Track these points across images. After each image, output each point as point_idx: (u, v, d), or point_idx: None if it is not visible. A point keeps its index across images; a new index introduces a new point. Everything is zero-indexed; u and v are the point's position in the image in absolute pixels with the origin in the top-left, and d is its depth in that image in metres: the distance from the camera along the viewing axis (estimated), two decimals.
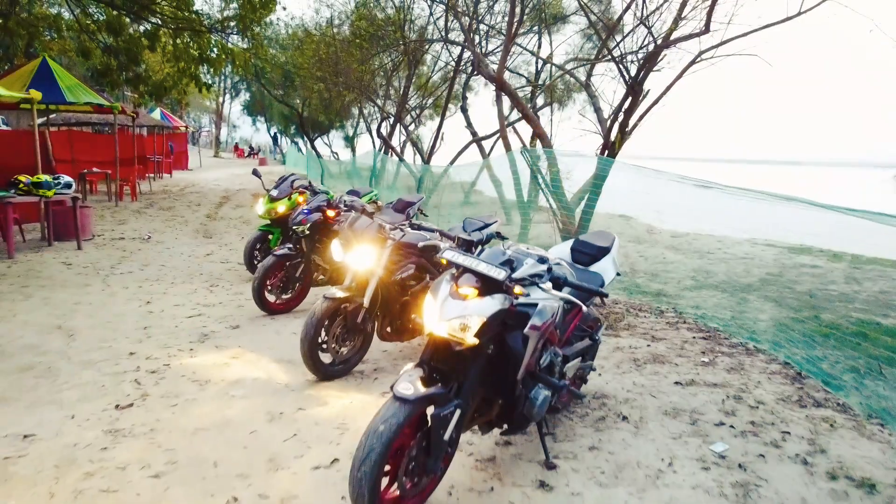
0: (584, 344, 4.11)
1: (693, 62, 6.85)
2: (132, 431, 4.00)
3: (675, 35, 6.30)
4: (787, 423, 4.20)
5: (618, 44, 7.78)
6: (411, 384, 2.92)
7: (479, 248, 4.20)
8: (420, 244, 4.57)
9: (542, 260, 3.33)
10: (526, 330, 3.09)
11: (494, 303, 2.96)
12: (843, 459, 3.72)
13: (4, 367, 4.98)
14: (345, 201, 6.96)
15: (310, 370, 4.90)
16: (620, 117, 6.67)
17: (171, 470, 3.55)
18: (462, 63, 13.94)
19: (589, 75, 8.31)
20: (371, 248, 4.89)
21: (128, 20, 19.17)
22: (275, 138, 46.67)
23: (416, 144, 17.88)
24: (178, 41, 19.24)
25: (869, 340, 5.78)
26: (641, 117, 6.84)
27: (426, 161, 14.70)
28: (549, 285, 3.05)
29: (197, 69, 20.13)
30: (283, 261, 6.67)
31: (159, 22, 18.64)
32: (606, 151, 6.66)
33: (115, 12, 18.32)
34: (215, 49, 19.31)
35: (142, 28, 19.89)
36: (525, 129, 15.46)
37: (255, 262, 8.59)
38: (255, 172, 8.90)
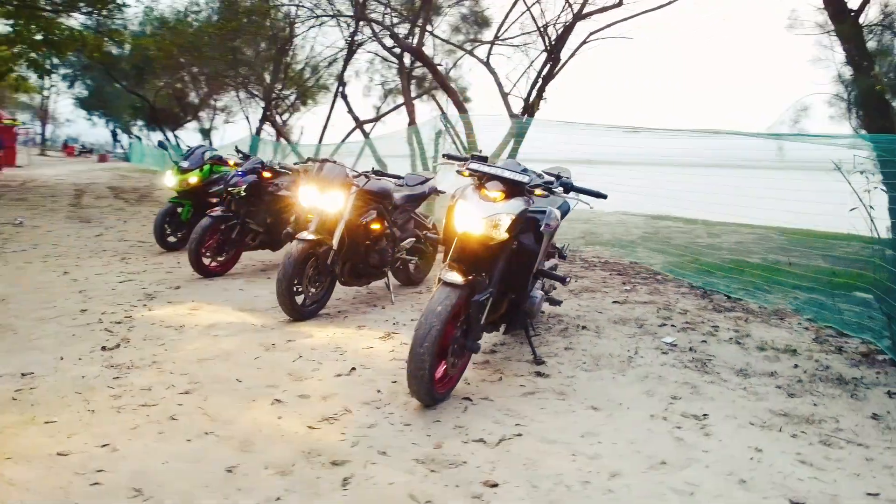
0: (555, 260, 4.72)
1: (584, 42, 7.75)
2: (134, 364, 4.04)
3: (590, 9, 7.18)
4: (713, 321, 5.07)
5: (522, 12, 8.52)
6: (456, 274, 3.35)
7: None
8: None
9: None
10: (542, 228, 3.63)
11: (520, 203, 3.46)
12: (764, 338, 4.62)
13: None
14: (279, 163, 7.14)
15: (285, 310, 5.10)
16: (539, 82, 7.42)
17: (198, 388, 3.68)
18: (355, 45, 14.07)
19: (489, 55, 9.00)
20: (340, 192, 5.18)
21: None
22: (114, 134, 43.57)
23: (286, 137, 17.71)
24: (16, 22, 17.71)
25: (743, 272, 6.92)
26: (543, 86, 7.63)
27: (319, 141, 14.77)
28: (560, 189, 3.60)
29: (38, 53, 18.66)
30: (219, 223, 6.69)
31: None
32: (525, 114, 7.39)
33: None
34: (63, 32, 18.03)
35: None
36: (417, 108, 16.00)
37: (167, 237, 8.41)
38: (160, 144, 8.71)
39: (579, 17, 7.18)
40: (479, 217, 3.38)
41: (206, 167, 8.48)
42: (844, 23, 6.13)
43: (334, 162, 5.53)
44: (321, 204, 5.17)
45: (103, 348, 4.34)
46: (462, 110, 7.71)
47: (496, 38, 9.00)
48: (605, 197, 3.71)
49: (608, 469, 2.76)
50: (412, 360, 3.20)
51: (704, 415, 3.38)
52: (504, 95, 8.55)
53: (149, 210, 13.83)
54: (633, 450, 2.97)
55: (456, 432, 3.14)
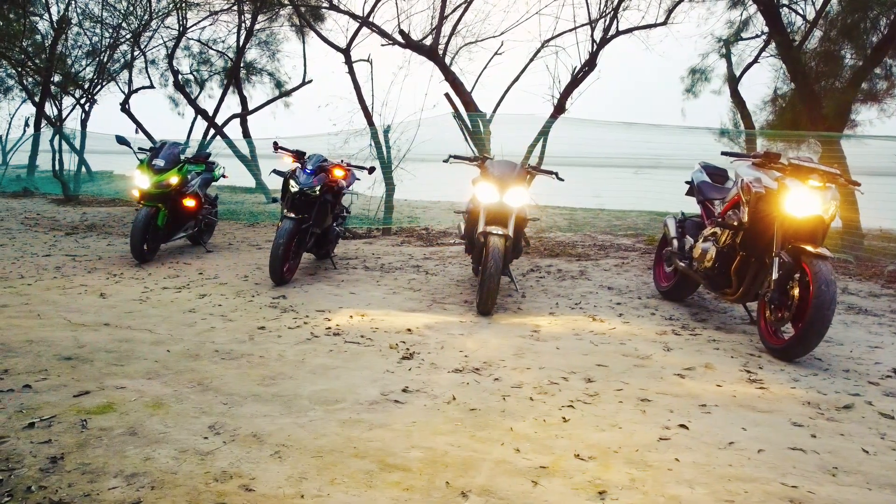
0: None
1: (600, 48, 8.45)
2: (479, 368, 3.88)
3: (632, 24, 8.11)
4: None
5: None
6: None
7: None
8: None
9: None
10: None
11: (836, 191, 4.29)
12: (860, 288, 6.07)
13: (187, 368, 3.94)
14: (346, 161, 6.79)
15: (490, 306, 5.13)
16: (572, 85, 8.08)
17: (588, 376, 3.77)
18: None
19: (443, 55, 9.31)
20: (521, 188, 5.38)
21: None
22: None
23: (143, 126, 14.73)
24: None
25: None
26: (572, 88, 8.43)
27: (204, 137, 12.92)
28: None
29: None
30: (299, 227, 6.14)
31: None
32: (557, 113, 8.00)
33: None
34: None
35: None
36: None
37: (145, 248, 7.17)
38: (120, 140, 7.46)
39: (621, 32, 8.03)
40: (821, 202, 4.13)
41: (185, 166, 7.49)
42: (791, 51, 7.94)
43: (487, 158, 5.66)
44: (507, 199, 5.30)
45: (403, 358, 4.09)
46: (473, 109, 7.99)
47: (435, 43, 9.32)
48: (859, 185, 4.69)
49: None
50: (822, 323, 3.85)
51: None
52: (464, 95, 8.99)
53: None
54: None
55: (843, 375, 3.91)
